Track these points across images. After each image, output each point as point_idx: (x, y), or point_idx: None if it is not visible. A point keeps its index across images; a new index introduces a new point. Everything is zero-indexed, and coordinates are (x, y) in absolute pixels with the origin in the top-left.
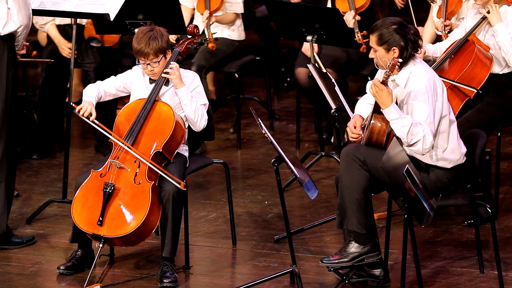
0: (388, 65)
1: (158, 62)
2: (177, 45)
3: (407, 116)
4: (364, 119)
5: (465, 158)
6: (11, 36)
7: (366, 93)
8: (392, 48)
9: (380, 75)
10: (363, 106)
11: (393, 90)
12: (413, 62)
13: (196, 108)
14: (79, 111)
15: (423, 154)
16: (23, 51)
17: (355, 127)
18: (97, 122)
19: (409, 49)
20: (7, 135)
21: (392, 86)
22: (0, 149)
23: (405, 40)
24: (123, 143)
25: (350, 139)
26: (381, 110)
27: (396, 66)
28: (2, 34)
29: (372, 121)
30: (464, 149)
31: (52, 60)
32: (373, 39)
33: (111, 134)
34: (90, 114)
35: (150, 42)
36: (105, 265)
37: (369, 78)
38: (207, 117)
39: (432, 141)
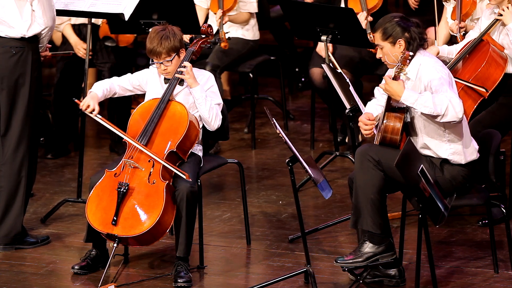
0: (400, 59)
1: (171, 61)
2: (191, 44)
3: (424, 92)
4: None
5: (478, 154)
6: (35, 38)
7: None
8: (398, 41)
9: (391, 72)
10: (373, 107)
11: (405, 83)
12: (420, 53)
13: (211, 107)
14: (81, 106)
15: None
16: (47, 52)
17: (368, 120)
18: (100, 116)
19: (414, 41)
20: (30, 137)
21: (404, 80)
22: (23, 149)
23: (409, 32)
24: (132, 140)
25: (364, 132)
26: (398, 102)
27: (408, 60)
28: (26, 36)
29: (384, 121)
30: (476, 146)
31: (73, 52)
32: (377, 36)
33: (117, 130)
34: (93, 110)
35: (162, 41)
36: (120, 265)
37: None
38: (221, 117)
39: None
